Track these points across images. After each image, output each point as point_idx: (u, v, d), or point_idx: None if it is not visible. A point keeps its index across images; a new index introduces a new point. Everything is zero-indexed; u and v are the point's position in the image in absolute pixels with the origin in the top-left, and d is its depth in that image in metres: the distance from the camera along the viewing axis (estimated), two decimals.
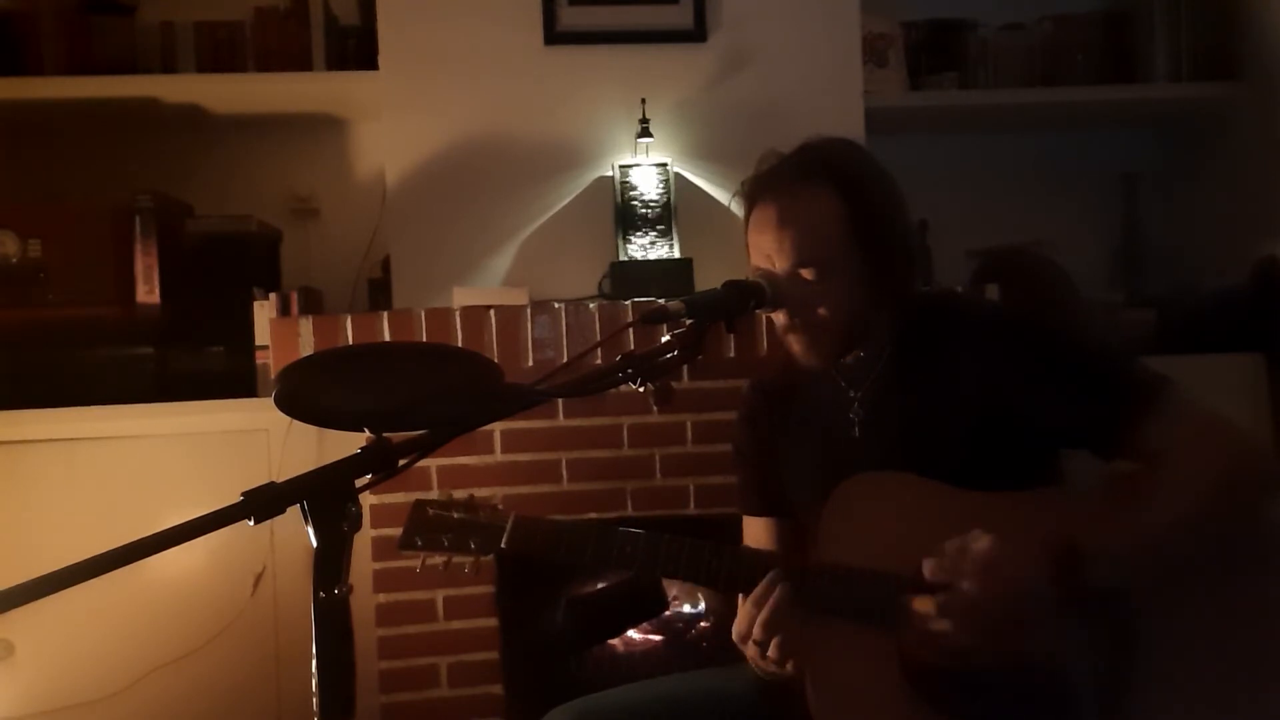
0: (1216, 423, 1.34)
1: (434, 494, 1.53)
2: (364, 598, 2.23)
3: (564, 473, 2.33)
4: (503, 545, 1.45)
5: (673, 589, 2.49)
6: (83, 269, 2.47)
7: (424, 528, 1.47)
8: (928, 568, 1.24)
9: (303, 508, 0.90)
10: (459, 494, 1.52)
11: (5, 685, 2.30)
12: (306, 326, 2.31)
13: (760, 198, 1.45)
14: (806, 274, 1.41)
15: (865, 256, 1.42)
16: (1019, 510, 1.36)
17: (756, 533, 1.61)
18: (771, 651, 1.31)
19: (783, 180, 1.44)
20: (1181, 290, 2.93)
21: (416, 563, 1.49)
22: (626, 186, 2.56)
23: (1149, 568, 1.27)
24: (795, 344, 1.46)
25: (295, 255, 2.87)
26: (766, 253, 1.43)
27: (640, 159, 2.56)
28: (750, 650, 1.34)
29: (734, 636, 1.36)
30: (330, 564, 0.90)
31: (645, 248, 2.56)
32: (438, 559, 1.48)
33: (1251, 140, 2.87)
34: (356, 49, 2.74)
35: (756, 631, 1.31)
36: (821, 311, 1.42)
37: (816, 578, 1.36)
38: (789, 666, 1.33)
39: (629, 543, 1.41)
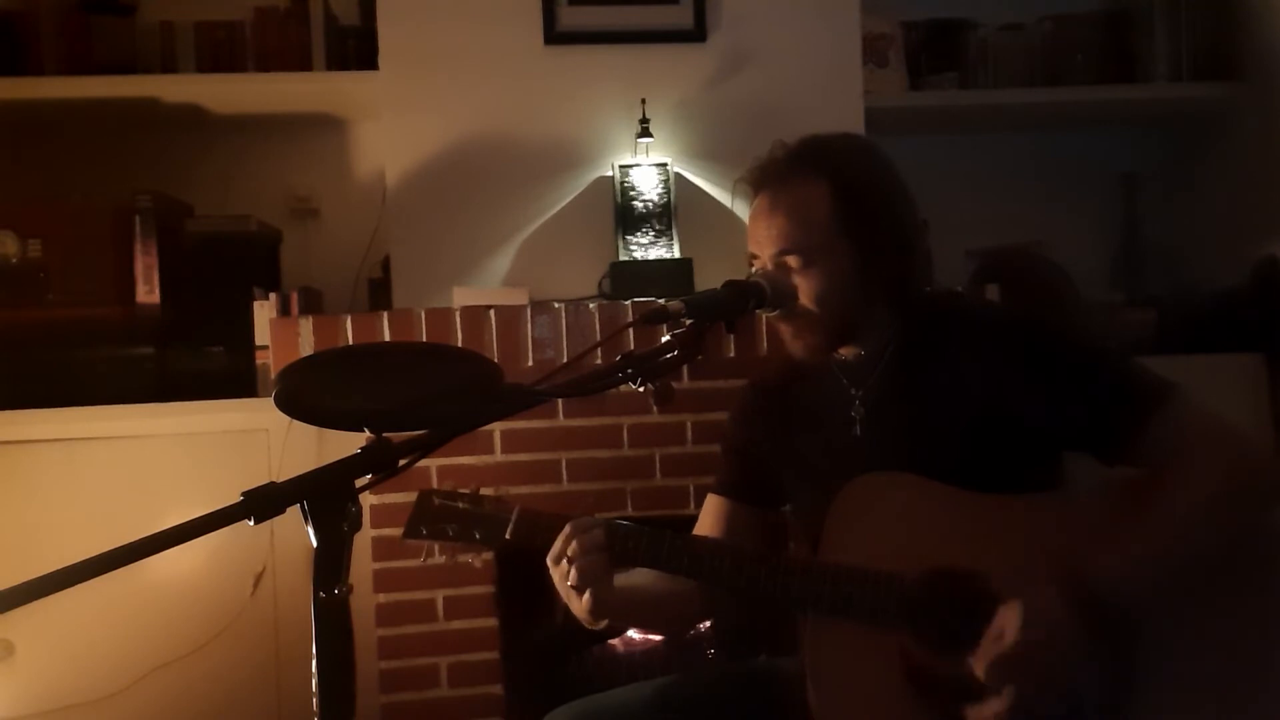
0: (1220, 428, 1.34)
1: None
2: (364, 598, 2.23)
3: (564, 473, 2.33)
4: (507, 536, 1.45)
5: None
6: (83, 269, 2.47)
7: (429, 518, 1.47)
8: (981, 671, 1.25)
9: (303, 508, 0.90)
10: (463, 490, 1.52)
11: (5, 685, 2.30)
12: (306, 326, 2.31)
13: (757, 186, 1.47)
14: (790, 262, 1.42)
15: (855, 250, 1.42)
16: (1021, 513, 1.36)
17: (713, 510, 1.61)
18: (573, 578, 1.36)
19: (776, 169, 1.45)
20: (1181, 290, 2.93)
21: (419, 557, 1.49)
22: (626, 186, 2.56)
23: (1157, 585, 1.27)
24: (784, 334, 1.47)
25: (295, 255, 2.87)
26: (758, 239, 1.45)
27: (640, 159, 2.56)
28: (557, 574, 1.39)
29: (549, 559, 1.40)
30: (330, 564, 0.90)
31: (645, 248, 2.56)
32: (440, 554, 1.48)
33: (1251, 140, 2.87)
34: (356, 49, 2.74)
35: (571, 550, 1.37)
36: (804, 301, 1.42)
37: (820, 576, 1.37)
38: (585, 600, 1.37)
39: (632, 539, 1.42)
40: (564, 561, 1.38)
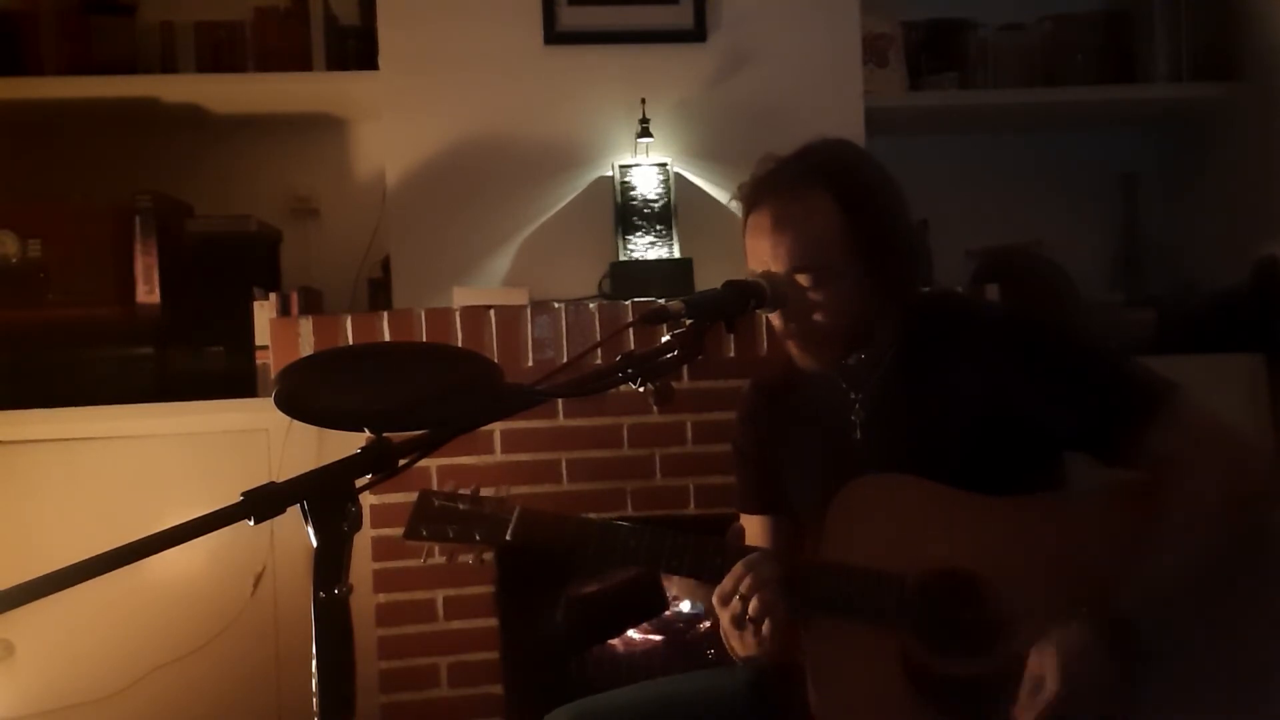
0: (1221, 430, 1.34)
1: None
2: (364, 598, 2.23)
3: (564, 473, 2.33)
4: (508, 537, 1.45)
5: (672, 588, 2.49)
6: (83, 269, 2.47)
7: (429, 518, 1.47)
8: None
9: (303, 508, 0.90)
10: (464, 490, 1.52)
11: (5, 685, 2.30)
12: (306, 326, 2.31)
13: (757, 202, 1.44)
14: (802, 280, 1.40)
15: (863, 261, 1.41)
16: (1021, 514, 1.36)
17: (754, 531, 1.61)
18: (752, 610, 1.30)
19: (779, 185, 1.43)
20: (1181, 290, 2.93)
21: (419, 557, 1.49)
22: (626, 186, 2.56)
23: (1174, 599, 1.27)
24: (793, 348, 1.46)
25: (295, 255, 2.87)
26: (763, 258, 1.43)
27: (640, 159, 2.56)
28: (729, 611, 1.32)
29: (715, 597, 1.34)
30: (330, 564, 0.90)
31: (645, 248, 2.56)
32: (440, 555, 1.48)
33: (1251, 140, 2.87)
34: (356, 49, 2.74)
35: (744, 586, 1.30)
36: (817, 317, 1.41)
37: (820, 576, 1.36)
38: (764, 632, 1.31)
39: (633, 537, 1.41)
40: (736, 598, 1.32)
